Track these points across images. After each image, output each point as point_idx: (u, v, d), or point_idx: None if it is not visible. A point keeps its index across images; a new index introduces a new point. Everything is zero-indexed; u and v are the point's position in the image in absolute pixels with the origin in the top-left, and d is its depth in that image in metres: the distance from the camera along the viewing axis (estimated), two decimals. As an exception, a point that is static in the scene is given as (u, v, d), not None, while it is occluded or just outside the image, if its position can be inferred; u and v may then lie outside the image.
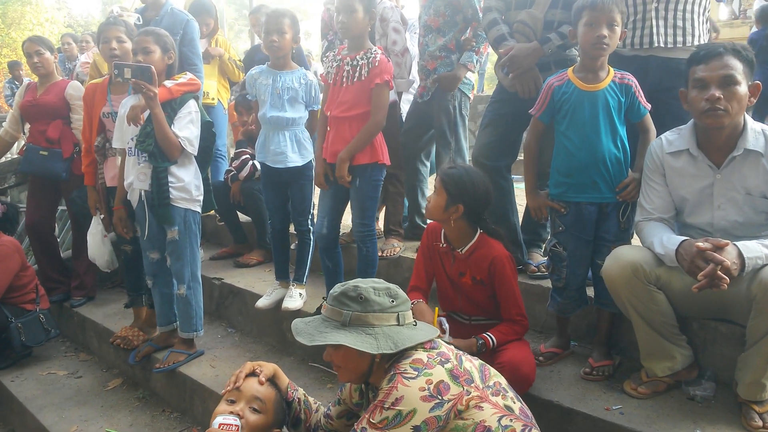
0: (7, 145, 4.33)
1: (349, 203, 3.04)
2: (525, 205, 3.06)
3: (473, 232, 2.40)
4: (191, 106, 3.01)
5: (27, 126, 4.19)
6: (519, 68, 2.71)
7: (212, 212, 4.57)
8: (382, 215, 3.90)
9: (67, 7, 33.27)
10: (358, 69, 2.78)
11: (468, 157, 3.61)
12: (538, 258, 3.00)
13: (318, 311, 3.02)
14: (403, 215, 3.86)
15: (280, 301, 3.27)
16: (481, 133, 2.96)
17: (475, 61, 3.39)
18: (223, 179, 4.24)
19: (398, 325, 1.73)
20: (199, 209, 3.11)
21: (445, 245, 2.44)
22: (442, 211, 2.32)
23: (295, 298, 3.22)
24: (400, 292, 1.78)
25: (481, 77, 12.55)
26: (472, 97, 3.59)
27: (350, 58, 2.81)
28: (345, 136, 2.82)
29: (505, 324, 2.36)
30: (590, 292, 2.55)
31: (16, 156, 5.12)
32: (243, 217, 4.38)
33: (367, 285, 1.75)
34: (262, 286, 3.63)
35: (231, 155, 4.93)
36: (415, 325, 1.78)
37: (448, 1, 3.39)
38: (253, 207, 4.05)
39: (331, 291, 1.81)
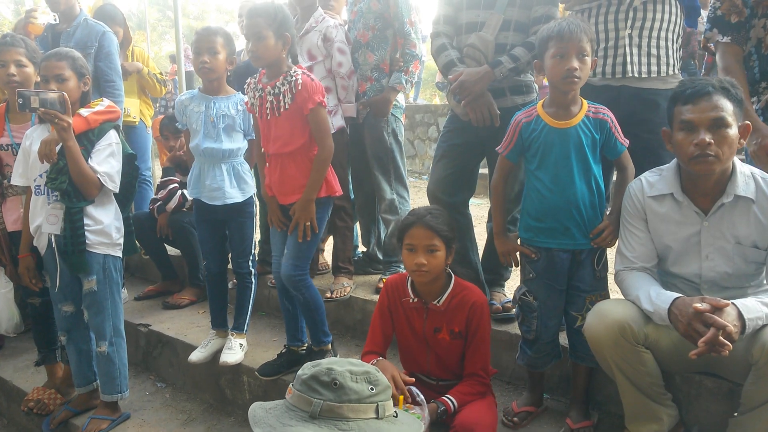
0: None
1: None
2: (485, 243, 2.87)
3: (449, 279, 2.18)
4: (111, 137, 2.64)
5: None
6: (470, 94, 2.49)
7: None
8: (329, 249, 3.60)
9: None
10: (281, 97, 2.42)
11: (408, 183, 3.41)
12: (501, 298, 2.79)
13: (266, 370, 2.72)
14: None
15: (218, 352, 2.91)
16: (436, 166, 2.73)
17: (404, 82, 3.17)
18: (148, 209, 3.83)
19: (377, 418, 1.44)
20: (120, 254, 2.74)
21: (415, 300, 2.17)
22: (444, 263, 2.11)
23: (235, 350, 2.87)
24: (381, 377, 1.48)
25: (417, 86, 12.49)
26: (404, 121, 3.39)
27: (270, 87, 2.45)
28: (292, 173, 2.49)
29: (466, 383, 2.16)
30: (563, 338, 2.36)
31: None
32: (172, 250, 3.97)
33: (343, 368, 1.44)
34: (195, 333, 3.26)
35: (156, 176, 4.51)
36: (396, 416, 1.49)
37: (378, 14, 3.17)
38: (183, 241, 3.66)
39: (299, 372, 1.48)
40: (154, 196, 3.83)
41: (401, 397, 2.02)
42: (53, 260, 2.64)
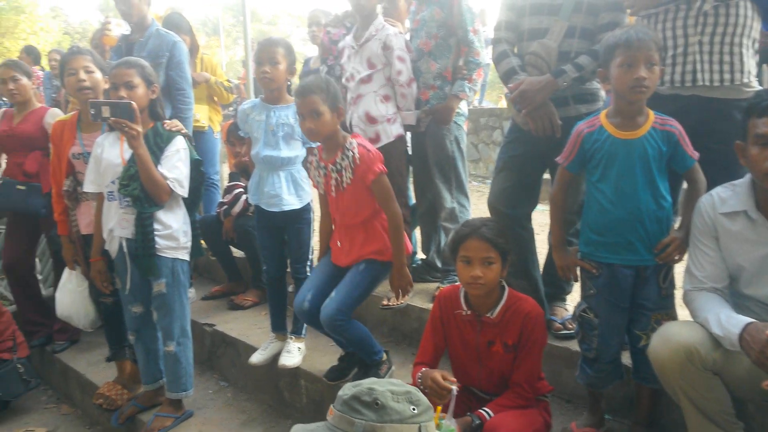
0: (-22, 177, 4.04)
1: None
2: (546, 255, 2.79)
3: (502, 290, 2.14)
4: (179, 143, 2.72)
5: (3, 157, 3.91)
6: (531, 104, 2.42)
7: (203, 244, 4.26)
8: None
9: (64, 15, 33.04)
10: (343, 173, 2.47)
11: (469, 191, 3.37)
12: (563, 313, 2.70)
13: (332, 374, 2.76)
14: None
15: (277, 355, 2.97)
16: (496, 177, 2.67)
17: (467, 90, 3.16)
18: (215, 213, 3.95)
19: None
20: (187, 257, 2.83)
21: (469, 312, 2.14)
22: (499, 275, 2.08)
23: (293, 354, 2.92)
24: (422, 397, 1.46)
25: (483, 89, 12.32)
26: (466, 128, 3.36)
27: (332, 164, 2.51)
28: (360, 240, 2.55)
29: (507, 394, 2.11)
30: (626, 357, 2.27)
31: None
32: (237, 252, 4.08)
33: (384, 388, 1.43)
34: (257, 335, 3.34)
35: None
36: None
37: (441, 22, 3.15)
38: (247, 244, 3.75)
39: (339, 392, 1.48)
40: (221, 200, 3.96)
41: (438, 408, 2.00)
42: (124, 263, 2.76)
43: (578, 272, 2.21)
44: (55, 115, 3.70)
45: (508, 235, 2.13)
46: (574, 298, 2.74)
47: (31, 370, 3.60)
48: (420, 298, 3.21)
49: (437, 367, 2.23)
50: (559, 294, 2.78)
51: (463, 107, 3.30)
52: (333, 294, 2.48)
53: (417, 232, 3.72)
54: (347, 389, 1.45)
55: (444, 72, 3.19)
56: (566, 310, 2.74)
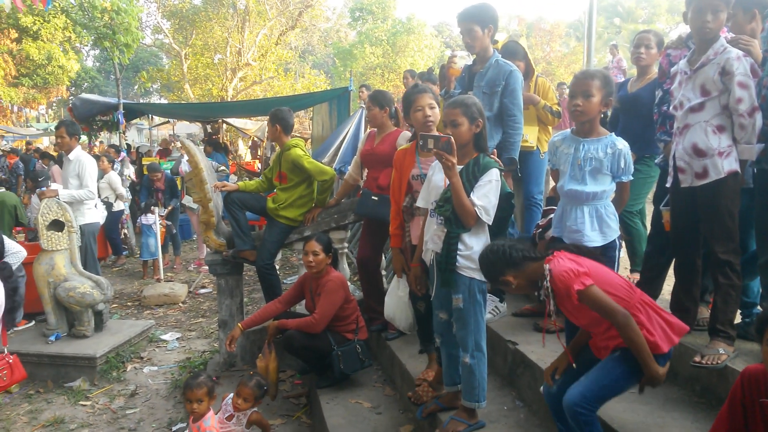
0: (349, 187, 4.96)
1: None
2: None
3: None
4: (493, 174, 2.91)
5: (365, 172, 4.72)
6: None
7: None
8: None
9: (449, 29, 37.00)
10: (551, 299, 2.50)
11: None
12: None
13: None
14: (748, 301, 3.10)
15: (567, 388, 2.93)
16: None
17: None
18: (532, 233, 4.04)
19: None
20: (484, 278, 3.00)
21: None
22: None
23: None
24: None
25: None
26: None
27: (544, 291, 2.50)
28: (615, 332, 2.42)
29: None
30: None
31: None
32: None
33: None
34: (555, 362, 3.33)
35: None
36: None
37: None
38: (558, 269, 3.75)
39: None
40: (538, 222, 4.03)
41: None
42: (433, 273, 3.08)
43: None
44: (406, 137, 4.31)
45: None
46: None
47: (366, 352, 4.28)
48: (743, 359, 2.76)
49: None
50: None
51: None
52: (582, 379, 2.37)
53: (757, 282, 3.17)
54: None
55: None
56: None
